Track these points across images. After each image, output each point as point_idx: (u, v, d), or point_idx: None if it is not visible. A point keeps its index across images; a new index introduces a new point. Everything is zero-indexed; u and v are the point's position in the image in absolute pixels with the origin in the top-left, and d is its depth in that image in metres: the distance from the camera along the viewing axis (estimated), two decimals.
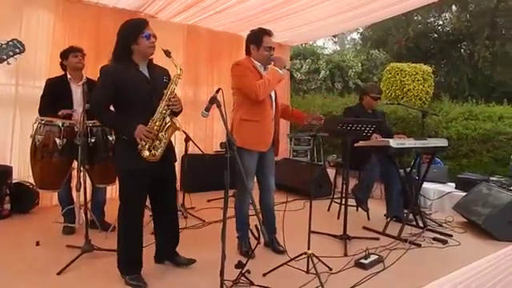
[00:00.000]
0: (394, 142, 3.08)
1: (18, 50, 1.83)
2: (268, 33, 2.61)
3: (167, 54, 2.09)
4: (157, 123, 2.08)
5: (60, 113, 2.82)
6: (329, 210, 4.01)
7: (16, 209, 3.37)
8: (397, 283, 2.37)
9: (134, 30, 2.07)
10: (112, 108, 2.15)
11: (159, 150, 2.08)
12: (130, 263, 2.21)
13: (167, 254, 2.43)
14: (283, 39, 5.39)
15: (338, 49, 13.81)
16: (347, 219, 2.95)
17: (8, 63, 1.83)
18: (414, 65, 6.97)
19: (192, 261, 2.43)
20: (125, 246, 2.21)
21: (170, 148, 2.24)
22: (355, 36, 14.26)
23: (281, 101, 2.85)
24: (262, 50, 2.58)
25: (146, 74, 2.14)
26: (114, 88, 2.04)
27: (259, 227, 1.96)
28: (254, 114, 2.55)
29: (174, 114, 2.16)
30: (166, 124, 2.09)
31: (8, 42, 1.82)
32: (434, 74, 7.16)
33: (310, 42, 11.05)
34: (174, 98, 2.07)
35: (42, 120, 2.78)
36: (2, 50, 1.79)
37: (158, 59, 2.21)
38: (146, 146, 2.06)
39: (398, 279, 2.43)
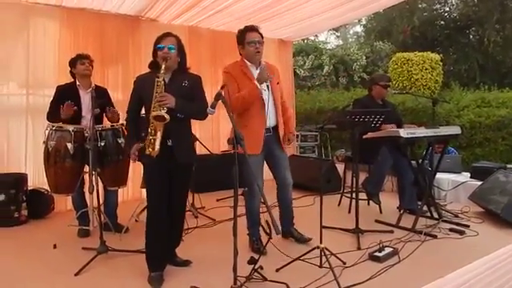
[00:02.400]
0: (404, 132, 3.01)
1: None
2: (250, 28, 2.62)
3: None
4: (152, 121, 2.15)
5: (63, 114, 2.82)
6: (339, 204, 3.97)
7: (32, 214, 3.45)
8: (413, 275, 2.33)
9: (154, 44, 2.27)
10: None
11: (156, 146, 2.14)
12: (150, 260, 2.26)
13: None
14: (285, 35, 5.36)
15: (341, 43, 13.65)
16: (359, 213, 2.92)
17: None
18: (421, 53, 6.84)
19: (188, 262, 2.46)
20: (147, 243, 2.26)
21: (182, 148, 2.27)
22: (358, 29, 14.11)
23: (286, 97, 2.89)
24: (247, 47, 2.60)
25: (166, 80, 2.23)
26: (138, 95, 2.30)
27: (270, 223, 1.95)
28: (243, 119, 2.58)
29: (172, 110, 2.15)
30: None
31: None
32: (442, 62, 7.02)
33: (312, 38, 10.96)
34: (159, 94, 2.14)
35: (53, 126, 2.85)
36: None
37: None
38: (149, 142, 2.16)
39: (415, 271, 2.39)
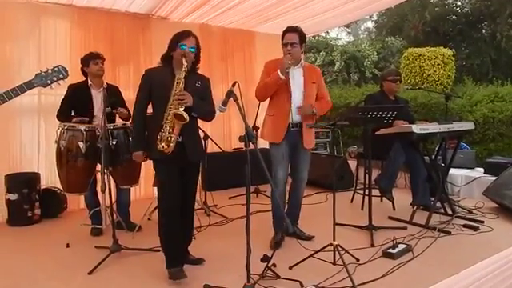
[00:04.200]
0: (416, 128, 2.98)
1: (61, 76, 1.94)
2: (286, 30, 2.76)
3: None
4: (168, 118, 2.15)
5: (74, 120, 2.89)
6: (352, 201, 3.94)
7: (45, 214, 3.48)
8: (427, 272, 2.30)
9: (175, 39, 2.26)
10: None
11: (171, 144, 2.15)
12: (168, 256, 2.26)
13: None
14: None
15: (352, 39, 13.52)
16: (372, 210, 2.89)
17: (51, 87, 1.94)
18: (433, 49, 6.73)
19: (201, 260, 2.46)
20: (163, 240, 2.27)
21: (193, 146, 2.27)
22: (369, 25, 13.99)
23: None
24: (283, 48, 2.73)
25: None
26: (148, 89, 2.28)
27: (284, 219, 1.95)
28: (272, 108, 2.80)
29: (190, 109, 2.16)
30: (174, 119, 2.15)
31: (54, 67, 1.94)
32: (454, 57, 6.90)
33: (323, 34, 10.89)
34: (180, 92, 2.15)
35: (65, 125, 2.87)
36: (46, 76, 1.90)
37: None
38: (164, 139, 2.15)
39: (429, 268, 2.35)
